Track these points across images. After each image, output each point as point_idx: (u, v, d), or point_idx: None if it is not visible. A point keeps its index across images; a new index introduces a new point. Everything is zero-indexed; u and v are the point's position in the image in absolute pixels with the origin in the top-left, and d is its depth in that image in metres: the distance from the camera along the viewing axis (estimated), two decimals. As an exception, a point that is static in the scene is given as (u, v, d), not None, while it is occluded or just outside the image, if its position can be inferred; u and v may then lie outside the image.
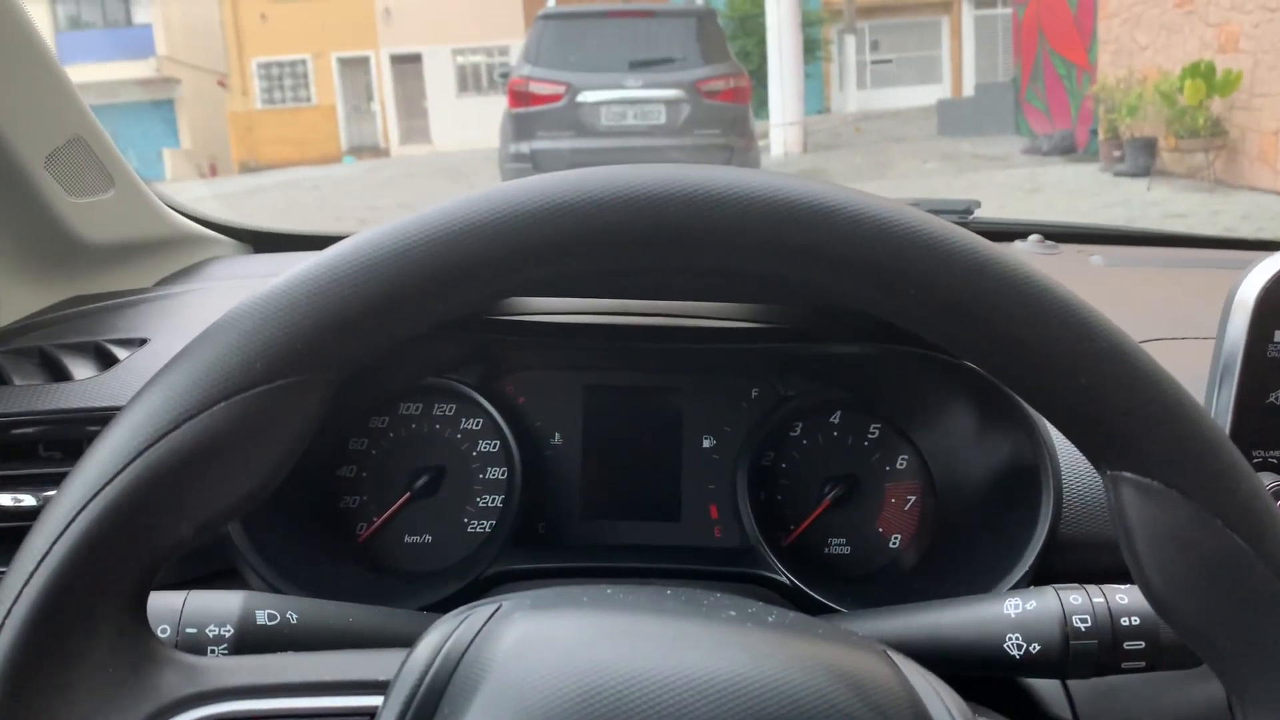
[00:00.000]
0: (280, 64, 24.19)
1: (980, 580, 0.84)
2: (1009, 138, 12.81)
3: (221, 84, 25.44)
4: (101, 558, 0.45)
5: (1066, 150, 11.06)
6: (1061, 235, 1.49)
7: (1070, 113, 12.18)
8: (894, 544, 0.99)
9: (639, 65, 8.92)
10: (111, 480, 0.45)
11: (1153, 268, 1.40)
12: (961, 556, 0.91)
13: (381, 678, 0.46)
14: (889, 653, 0.47)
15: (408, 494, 0.97)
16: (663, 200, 0.47)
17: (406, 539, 0.98)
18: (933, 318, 0.49)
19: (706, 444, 0.99)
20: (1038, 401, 0.50)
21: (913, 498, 0.99)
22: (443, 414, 0.99)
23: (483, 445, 0.99)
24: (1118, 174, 8.92)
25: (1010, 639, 0.67)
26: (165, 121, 24.03)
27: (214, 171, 23.06)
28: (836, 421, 1.00)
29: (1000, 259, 0.48)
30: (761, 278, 0.49)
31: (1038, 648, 0.66)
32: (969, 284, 0.47)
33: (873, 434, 0.99)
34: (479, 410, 0.97)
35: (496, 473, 0.99)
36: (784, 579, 0.90)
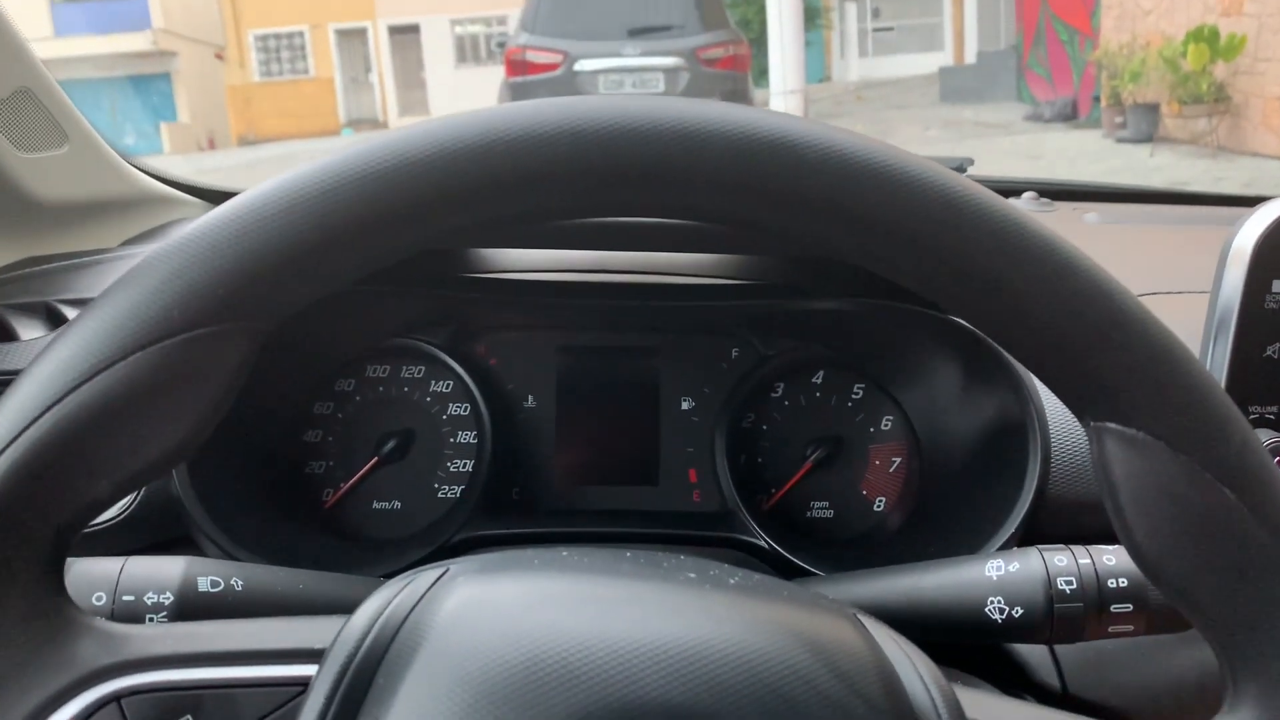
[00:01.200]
0: (277, 35, 24.00)
1: (967, 543, 0.81)
2: (1011, 104, 12.71)
3: (219, 57, 25.29)
4: (8, 522, 0.42)
5: (1069, 117, 10.97)
6: (1056, 193, 1.46)
7: (1073, 79, 12.08)
8: (878, 507, 0.96)
9: (637, 33, 8.84)
10: (16, 438, 0.42)
11: (1148, 225, 1.37)
12: (947, 519, 0.88)
13: (317, 645, 0.44)
14: (859, 616, 0.45)
15: (375, 459, 0.94)
16: (620, 134, 0.43)
17: (374, 505, 0.95)
18: (904, 258, 0.45)
19: (685, 405, 0.96)
20: (1016, 347, 0.47)
21: (898, 459, 0.96)
22: (411, 376, 0.96)
23: (453, 408, 0.96)
24: (1120, 140, 8.84)
25: (992, 602, 0.63)
26: (162, 95, 23.90)
27: (212, 145, 22.96)
28: (819, 381, 0.96)
29: (974, 193, 0.44)
30: (717, 220, 0.46)
31: (1020, 611, 0.63)
32: (941, 221, 0.44)
33: (856, 394, 0.96)
34: (448, 372, 0.94)
35: (467, 436, 0.96)
36: (763, 543, 0.87)
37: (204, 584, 0.63)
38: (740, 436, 0.95)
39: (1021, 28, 14.01)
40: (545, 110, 0.43)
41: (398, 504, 0.95)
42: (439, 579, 0.46)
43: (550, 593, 0.45)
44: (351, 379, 0.95)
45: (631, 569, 0.48)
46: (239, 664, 0.47)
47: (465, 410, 0.96)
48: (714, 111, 0.44)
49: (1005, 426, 0.83)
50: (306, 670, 0.44)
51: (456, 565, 0.48)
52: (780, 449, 0.96)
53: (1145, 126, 9.23)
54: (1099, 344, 0.44)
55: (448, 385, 0.96)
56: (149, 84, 23.64)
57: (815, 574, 0.83)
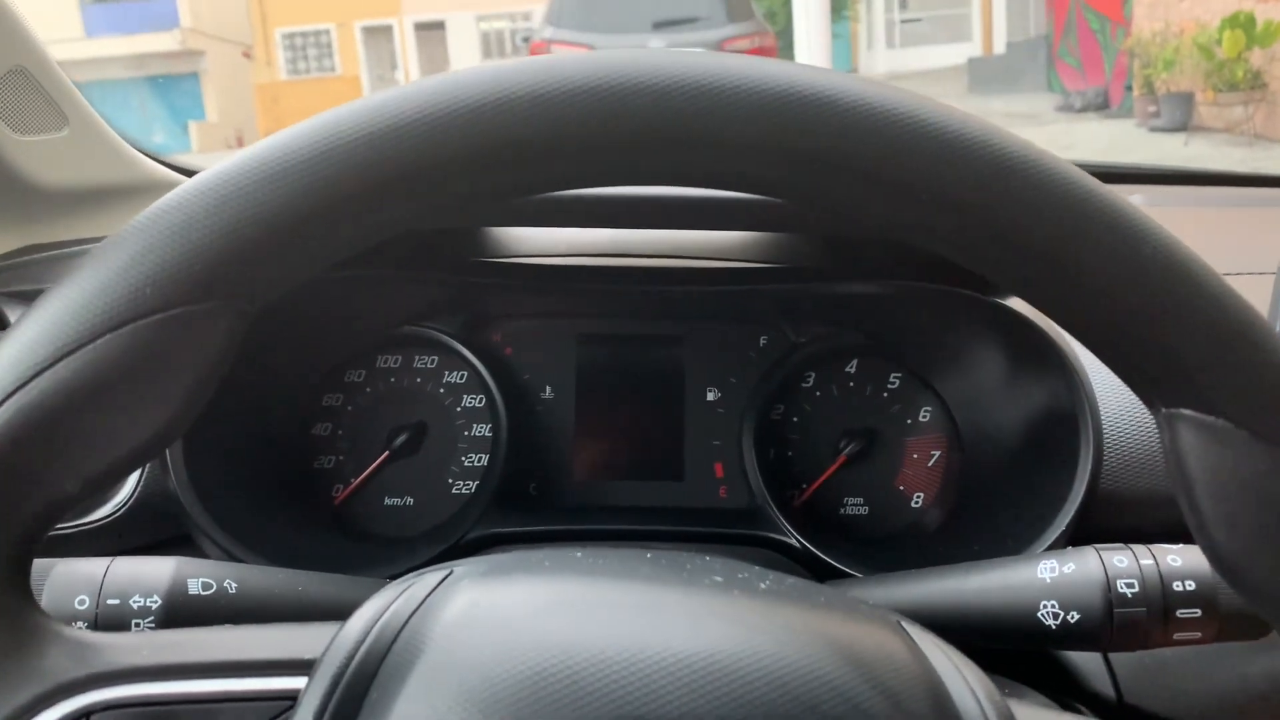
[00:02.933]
0: (304, 34, 24.16)
1: (1012, 542, 0.76)
2: (1041, 95, 12.59)
3: (246, 55, 25.44)
4: None
5: (1100, 107, 10.85)
6: (1100, 175, 1.39)
7: (1104, 68, 11.92)
8: (916, 503, 0.91)
9: (662, 25, 8.78)
10: None
11: (1197, 207, 1.30)
12: (990, 516, 0.83)
13: (308, 656, 0.41)
14: (903, 624, 0.41)
15: (386, 453, 0.90)
16: (640, 91, 0.38)
17: (386, 501, 0.91)
18: (950, 228, 0.40)
19: (711, 396, 0.91)
20: (1077, 325, 0.42)
21: (936, 452, 0.90)
22: (424, 366, 0.92)
23: (467, 400, 0.92)
24: (1153, 130, 8.73)
25: (1045, 606, 0.58)
26: (190, 94, 23.51)
27: (240, 143, 23.05)
28: (852, 371, 0.91)
29: (1029, 153, 0.39)
30: (744, 184, 0.41)
31: (1076, 616, 0.57)
32: (992, 184, 0.39)
33: (892, 384, 0.91)
34: (463, 362, 0.90)
35: (482, 429, 0.91)
36: (794, 541, 0.82)
37: (195, 586, 0.58)
38: (769, 429, 0.90)
39: (1051, 17, 13.84)
40: (565, 65, 0.38)
41: (410, 500, 0.91)
42: (441, 582, 0.42)
43: (562, 598, 0.41)
44: (362, 369, 0.91)
45: (652, 572, 0.44)
46: (222, 676, 0.43)
47: (480, 402, 0.91)
48: (739, 65, 0.39)
49: (1054, 417, 0.78)
50: (296, 683, 0.40)
51: (461, 567, 0.44)
52: (811, 442, 0.91)
53: (1179, 115, 9.08)
54: (1174, 320, 0.38)
55: (462, 376, 0.92)
56: (177, 84, 23.78)
57: (850, 575, 0.78)
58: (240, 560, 0.74)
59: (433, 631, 0.37)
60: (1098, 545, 0.59)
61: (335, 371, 0.91)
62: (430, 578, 0.43)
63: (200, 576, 0.58)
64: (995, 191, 0.38)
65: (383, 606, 0.41)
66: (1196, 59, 8.87)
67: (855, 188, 0.40)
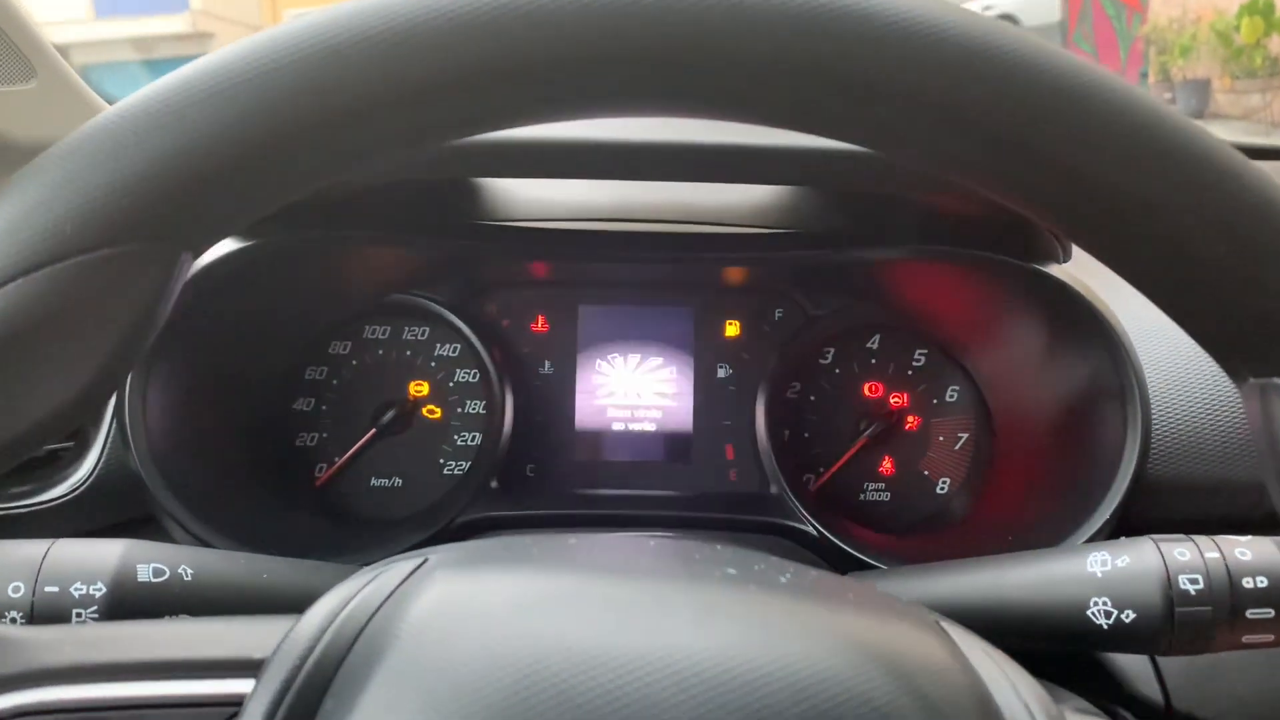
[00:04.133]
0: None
1: (1049, 532, 0.70)
2: (1056, 82, 12.40)
3: (255, 38, 25.31)
4: None
5: (1116, 94, 10.67)
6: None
7: (1119, 55, 11.78)
8: (942, 489, 0.84)
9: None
10: None
11: None
12: (1025, 504, 0.77)
13: (258, 655, 0.35)
14: (942, 623, 0.37)
15: (373, 430, 0.84)
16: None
17: (372, 482, 0.85)
18: (990, 161, 0.33)
19: (721, 373, 0.85)
20: (1150, 281, 0.35)
21: (964, 435, 0.84)
22: (414, 338, 0.85)
23: (460, 374, 0.85)
24: (1170, 117, 8.55)
25: (1096, 604, 0.51)
26: (201, 77, 23.93)
27: (249, 126, 22.94)
28: (875, 346, 0.85)
29: (1100, 79, 0.32)
30: (769, 117, 0.34)
31: (1132, 616, 0.51)
32: (1056, 115, 0.32)
33: (917, 360, 0.85)
34: (455, 334, 0.84)
35: (476, 406, 0.85)
36: (810, 529, 0.76)
37: (145, 573, 0.52)
38: (784, 408, 0.84)
39: (1066, 3, 13.70)
40: None
41: (398, 481, 0.85)
42: (414, 571, 0.36)
43: (550, 592, 0.34)
44: (347, 341, 0.85)
45: (655, 563, 0.38)
46: (160, 677, 0.37)
47: (474, 377, 0.85)
48: None
49: (1096, 395, 0.71)
50: (244, 686, 0.34)
51: (437, 554, 0.38)
52: (829, 423, 0.85)
53: (1196, 103, 8.95)
54: (1269, 277, 0.32)
55: (454, 349, 0.85)
56: (187, 66, 23.67)
57: (874, 566, 0.72)
58: (208, 544, 0.68)
59: (400, 629, 0.33)
60: (1155, 536, 0.53)
61: (318, 343, 0.85)
62: (402, 566, 0.37)
63: (152, 561, 0.52)
64: (1059, 124, 0.32)
65: (345, 598, 0.35)
66: (1214, 45, 8.74)
67: (898, 120, 0.33)
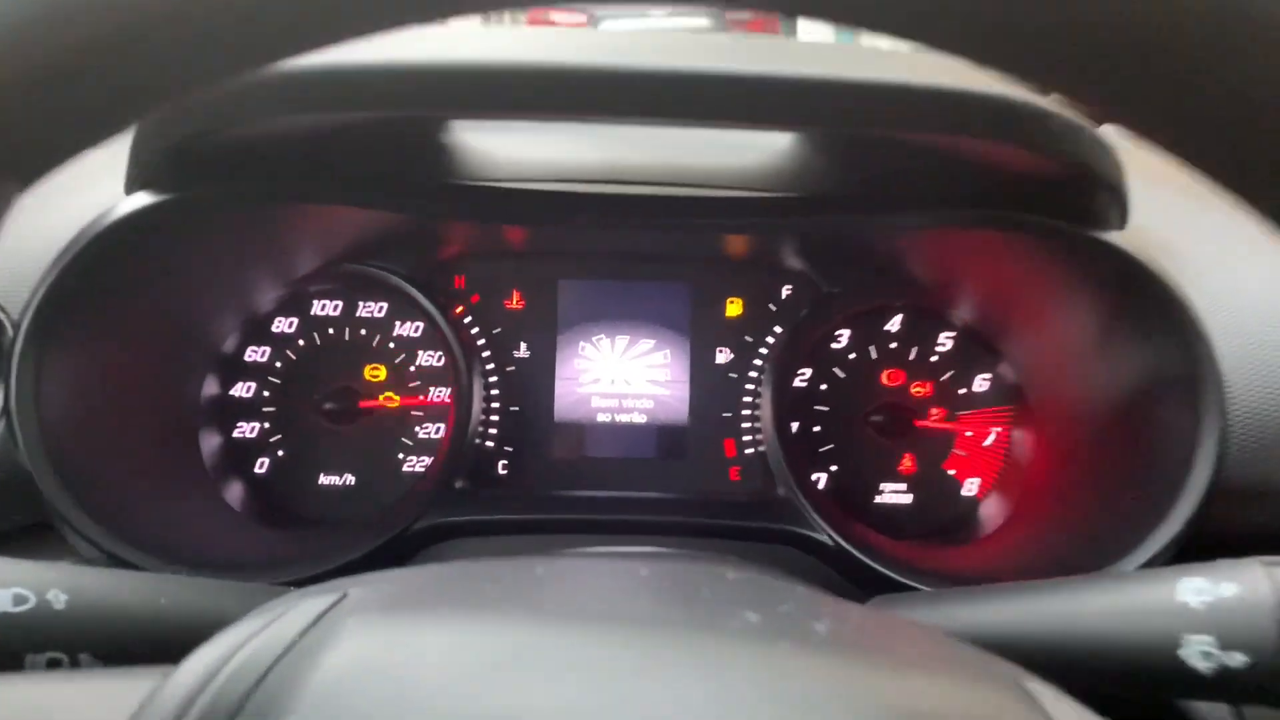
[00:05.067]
0: None
1: (1102, 545, 0.60)
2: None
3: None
4: None
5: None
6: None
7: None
8: (969, 491, 0.74)
9: (665, -8, 8.56)
10: None
11: None
12: (1070, 511, 0.67)
13: None
14: (1024, 683, 0.30)
15: (322, 420, 0.73)
16: None
17: (321, 480, 0.74)
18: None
19: (721, 359, 0.75)
20: None
21: (996, 430, 0.74)
22: (369, 316, 0.75)
23: (423, 358, 0.75)
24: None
25: (1193, 644, 0.41)
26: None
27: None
28: (895, 328, 0.75)
29: None
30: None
31: (1243, 660, 0.41)
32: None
33: (943, 344, 0.75)
34: (417, 310, 0.73)
35: (440, 393, 0.75)
36: (824, 537, 0.66)
37: (3, 600, 0.42)
38: (792, 399, 0.74)
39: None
40: None
41: (350, 479, 0.75)
42: (325, 613, 0.27)
43: (503, 652, 0.25)
44: (292, 318, 0.75)
45: (649, 605, 0.28)
46: None
47: (438, 360, 0.75)
48: None
49: (1161, 384, 0.61)
50: None
51: (359, 589, 0.29)
52: (843, 415, 0.76)
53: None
54: None
55: (416, 328, 0.75)
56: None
57: (900, 582, 0.62)
58: (117, 557, 0.57)
59: (297, 698, 0.25)
60: (1266, 559, 0.42)
61: (260, 320, 0.74)
62: (310, 604, 0.28)
63: (12, 585, 0.42)
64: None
65: (232, 648, 0.25)
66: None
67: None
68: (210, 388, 0.73)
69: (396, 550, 0.66)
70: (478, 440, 0.72)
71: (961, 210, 0.63)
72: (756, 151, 0.72)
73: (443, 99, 0.51)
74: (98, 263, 0.58)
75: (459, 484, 0.70)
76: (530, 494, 0.74)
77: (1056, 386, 0.70)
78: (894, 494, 0.75)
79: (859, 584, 0.65)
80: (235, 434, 0.74)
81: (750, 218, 0.68)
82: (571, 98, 0.51)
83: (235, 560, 0.62)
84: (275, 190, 0.61)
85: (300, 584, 0.61)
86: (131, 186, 0.59)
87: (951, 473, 0.75)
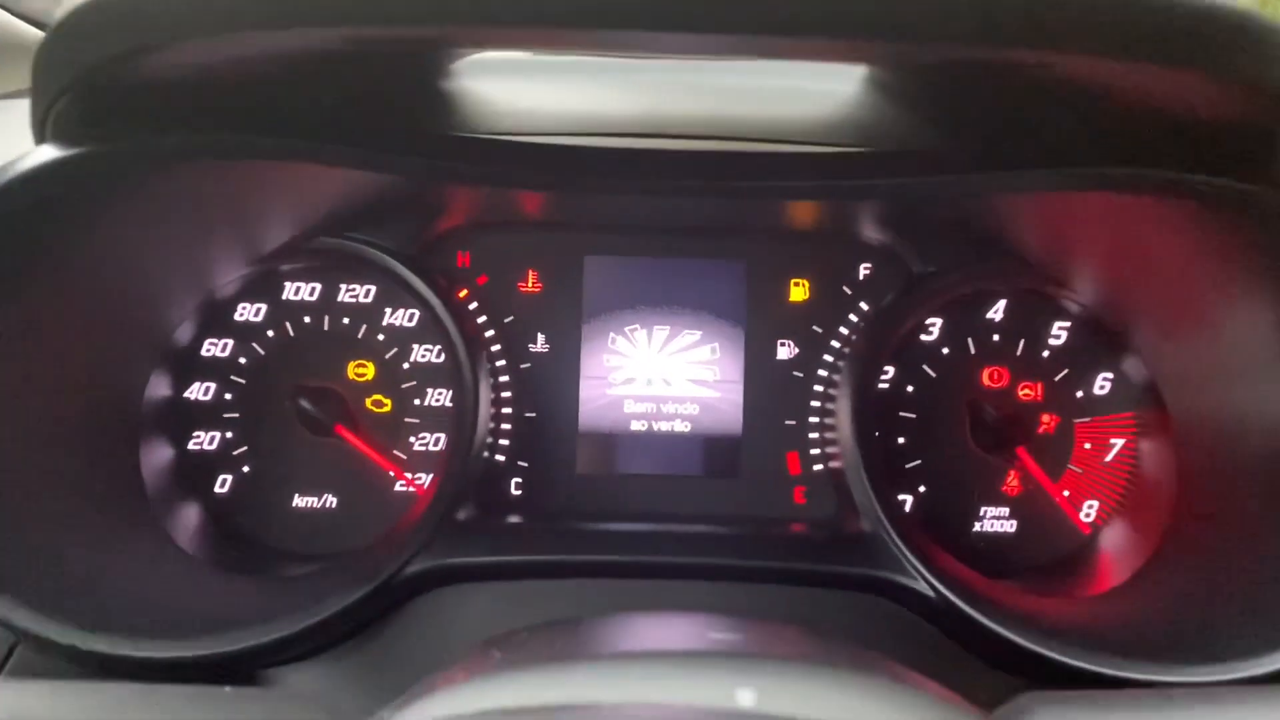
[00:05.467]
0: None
1: (1265, 615, 0.46)
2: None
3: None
4: None
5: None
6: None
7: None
8: (1087, 516, 0.61)
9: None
10: None
11: None
12: (1223, 548, 0.53)
13: None
14: None
15: (298, 428, 0.62)
16: None
17: (295, 502, 0.62)
18: None
19: (784, 353, 0.64)
20: None
21: (1119, 441, 0.61)
22: (353, 301, 0.63)
23: (419, 352, 0.63)
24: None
25: None
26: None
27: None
28: (998, 317, 0.63)
29: None
30: None
31: None
32: None
33: (1057, 337, 0.63)
34: (411, 295, 0.61)
35: (440, 396, 0.62)
36: (923, 586, 0.52)
37: None
38: (873, 403, 0.61)
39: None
40: None
41: (331, 500, 0.62)
42: None
43: None
44: (259, 303, 0.62)
45: None
46: None
47: (437, 355, 0.62)
48: None
49: None
50: None
51: None
52: (934, 423, 0.64)
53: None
54: None
55: (410, 316, 0.62)
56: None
57: (1018, 645, 0.48)
58: (26, 632, 0.45)
59: None
60: None
61: (219, 306, 0.62)
62: None
63: None
64: None
65: None
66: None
67: None
68: (158, 388, 0.60)
69: (384, 601, 0.53)
70: (485, 454, 0.60)
71: (1102, 170, 0.49)
72: (829, 99, 0.59)
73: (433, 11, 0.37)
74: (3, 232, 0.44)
75: (462, 514, 0.57)
76: (549, 524, 0.62)
77: (1208, 391, 0.56)
78: (995, 520, 0.63)
79: (955, 636, 0.52)
80: (191, 445, 0.61)
81: (822, 179, 0.54)
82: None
83: (184, 620, 0.49)
84: (244, 143, 0.47)
85: (267, 651, 0.48)
86: (40, 134, 0.45)
87: (1065, 493, 0.62)
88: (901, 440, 0.63)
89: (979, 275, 0.61)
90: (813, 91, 0.64)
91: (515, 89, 0.61)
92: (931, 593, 0.53)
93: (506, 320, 0.64)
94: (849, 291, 0.63)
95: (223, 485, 0.62)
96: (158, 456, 0.60)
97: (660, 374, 0.64)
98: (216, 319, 0.62)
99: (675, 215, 0.62)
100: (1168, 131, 0.47)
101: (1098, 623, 0.53)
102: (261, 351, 0.63)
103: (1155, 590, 0.56)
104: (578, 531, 0.60)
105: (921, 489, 0.62)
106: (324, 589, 0.53)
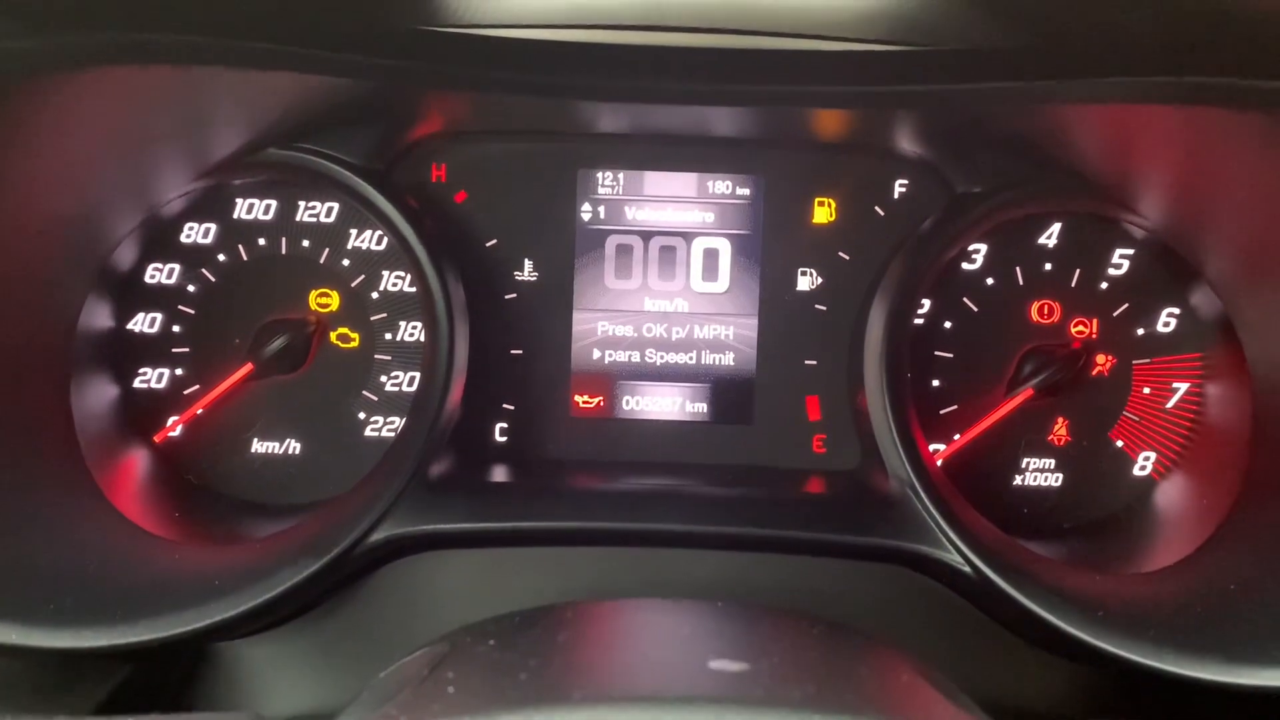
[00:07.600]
0: None
1: None
2: None
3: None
4: None
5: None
6: None
7: None
8: (1142, 469, 0.54)
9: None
10: None
11: None
12: None
13: None
14: None
15: (251, 365, 0.56)
16: None
17: (253, 449, 0.56)
18: None
19: (804, 284, 0.58)
20: None
21: (1182, 385, 0.54)
22: (314, 221, 0.56)
23: (389, 279, 0.56)
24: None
25: None
26: None
27: None
28: (1051, 242, 0.56)
29: None
30: None
31: None
32: None
33: (1117, 265, 0.55)
34: (378, 215, 0.53)
35: (412, 330, 0.55)
36: (955, 559, 0.46)
37: None
38: (906, 341, 0.55)
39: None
40: None
41: (293, 446, 0.57)
42: None
43: None
44: (208, 223, 0.55)
45: None
46: None
47: (409, 283, 0.55)
48: None
49: None
50: None
51: None
52: (976, 363, 0.57)
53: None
54: None
55: (378, 239, 0.55)
56: None
57: (1068, 634, 0.43)
58: None
59: None
60: None
61: (164, 225, 0.56)
62: None
63: None
64: None
65: None
66: None
67: None
68: (97, 317, 0.54)
69: (340, 574, 0.47)
70: (465, 395, 0.53)
71: (1175, 79, 0.41)
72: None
73: None
74: None
75: (437, 469, 0.51)
76: (536, 479, 0.56)
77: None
78: (1039, 473, 0.56)
79: (990, 613, 0.47)
80: (137, 383, 0.55)
81: (852, 81, 0.48)
82: None
83: (116, 599, 0.43)
84: (184, 42, 0.40)
85: (208, 633, 0.43)
86: None
87: (1118, 444, 0.55)
88: (937, 383, 0.56)
89: (1032, 196, 0.54)
90: None
91: None
92: (966, 566, 0.47)
93: (488, 244, 0.56)
94: (881, 212, 0.56)
95: (174, 430, 0.56)
96: (96, 397, 0.53)
97: (664, 306, 0.57)
98: (161, 241, 0.55)
99: (681, 122, 0.55)
100: (1262, 34, 0.40)
101: (1146, 607, 0.47)
102: (213, 278, 0.56)
103: (1216, 572, 0.50)
104: (571, 493, 0.53)
105: (956, 437, 0.56)
106: (272, 564, 0.47)
